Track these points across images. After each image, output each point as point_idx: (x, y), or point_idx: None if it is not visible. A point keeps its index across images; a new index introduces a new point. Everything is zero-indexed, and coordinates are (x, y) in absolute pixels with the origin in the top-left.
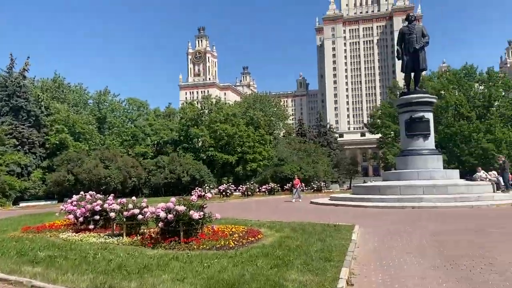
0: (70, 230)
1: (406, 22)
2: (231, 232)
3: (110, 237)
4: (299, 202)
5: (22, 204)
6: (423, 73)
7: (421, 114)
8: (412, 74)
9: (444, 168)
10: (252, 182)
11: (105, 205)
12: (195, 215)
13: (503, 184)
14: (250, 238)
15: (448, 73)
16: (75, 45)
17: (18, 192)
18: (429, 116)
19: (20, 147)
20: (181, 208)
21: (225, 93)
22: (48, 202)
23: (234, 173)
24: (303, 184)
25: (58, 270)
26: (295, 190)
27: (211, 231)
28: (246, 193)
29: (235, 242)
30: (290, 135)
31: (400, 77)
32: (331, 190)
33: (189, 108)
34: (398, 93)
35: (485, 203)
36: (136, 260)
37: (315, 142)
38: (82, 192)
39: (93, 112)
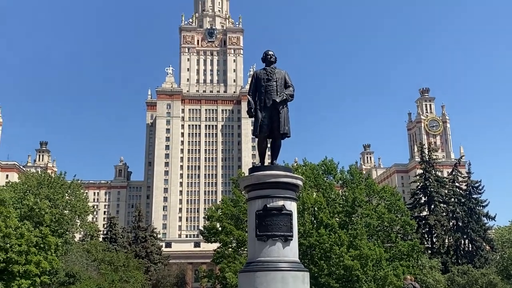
0: None
1: (264, 64)
2: None
3: None
4: None
5: None
6: None
7: (280, 202)
8: (270, 141)
9: None
10: None
11: None
12: None
13: None
14: None
15: (304, 167)
16: None
17: None
18: (292, 207)
19: None
20: None
21: (7, 175)
22: None
23: None
24: None
25: None
26: None
27: None
28: None
29: None
30: (92, 238)
31: (247, 169)
32: None
33: None
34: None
35: None
36: None
37: (128, 251)
38: None
39: None
